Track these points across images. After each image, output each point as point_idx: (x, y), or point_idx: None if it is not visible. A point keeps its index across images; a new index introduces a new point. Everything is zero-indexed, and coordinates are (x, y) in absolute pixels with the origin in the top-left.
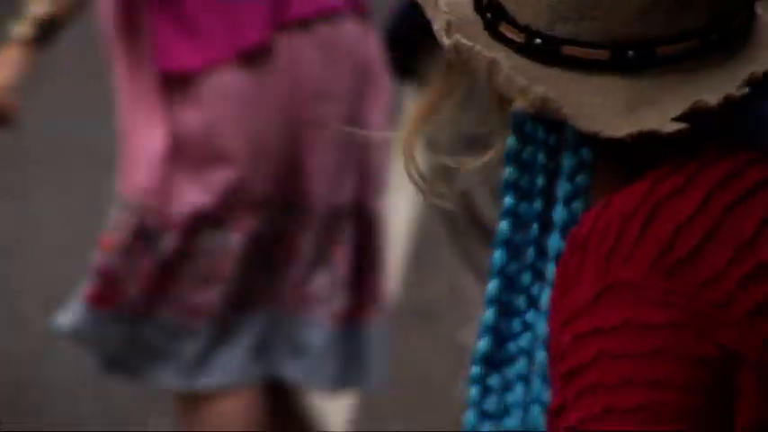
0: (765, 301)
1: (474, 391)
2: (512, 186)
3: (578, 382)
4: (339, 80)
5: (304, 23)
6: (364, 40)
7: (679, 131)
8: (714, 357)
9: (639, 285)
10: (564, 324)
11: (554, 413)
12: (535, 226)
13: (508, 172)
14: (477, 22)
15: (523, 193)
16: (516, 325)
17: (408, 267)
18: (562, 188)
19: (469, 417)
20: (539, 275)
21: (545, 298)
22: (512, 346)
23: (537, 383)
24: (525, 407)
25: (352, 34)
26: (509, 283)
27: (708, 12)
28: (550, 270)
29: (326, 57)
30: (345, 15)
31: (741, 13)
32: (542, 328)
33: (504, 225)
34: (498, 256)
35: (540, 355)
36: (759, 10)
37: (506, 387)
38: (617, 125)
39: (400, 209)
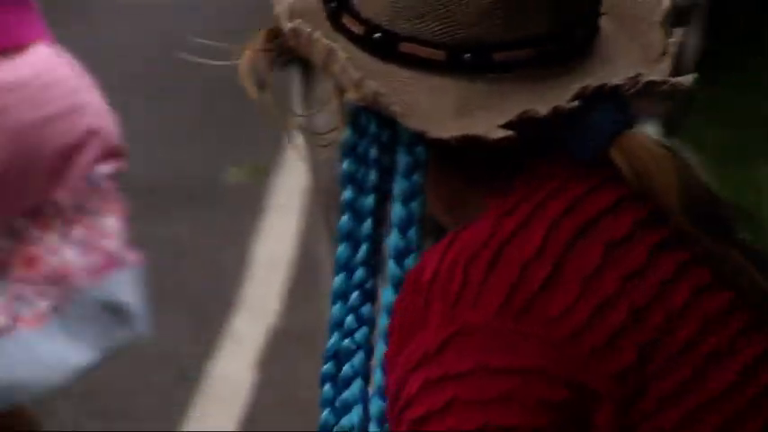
0: (613, 334)
1: (326, 389)
2: (349, 179)
3: (430, 429)
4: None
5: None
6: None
7: (506, 139)
8: (566, 398)
9: (488, 329)
10: (410, 370)
11: None
12: (369, 221)
13: (345, 164)
14: (321, 11)
15: (361, 187)
16: (351, 321)
17: (291, 293)
18: (398, 186)
19: (324, 415)
20: (373, 272)
21: (383, 296)
22: (348, 342)
23: (377, 377)
24: (365, 403)
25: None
26: (351, 278)
27: (548, 22)
28: (391, 269)
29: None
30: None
31: (583, 25)
32: (381, 323)
33: (343, 219)
34: (341, 250)
35: (380, 350)
36: (603, 24)
37: (345, 383)
38: (445, 127)
39: (283, 234)
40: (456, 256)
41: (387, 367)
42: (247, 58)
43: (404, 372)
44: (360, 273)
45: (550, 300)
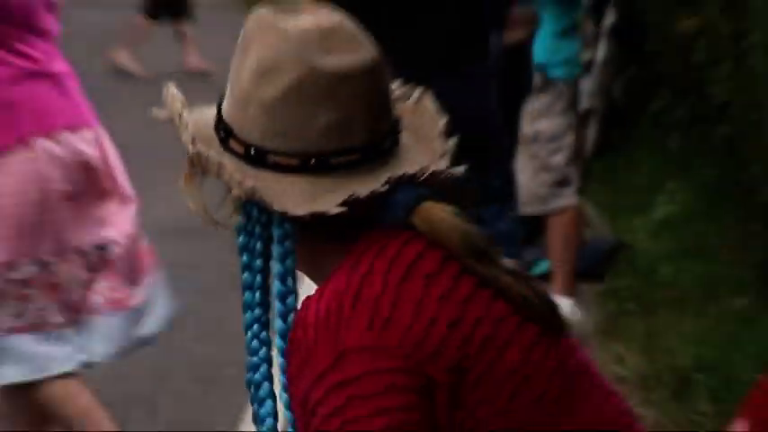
0: (440, 340)
1: (250, 393)
2: (243, 249)
3: (337, 420)
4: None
5: None
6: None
7: (341, 213)
8: (422, 384)
9: (363, 346)
10: (314, 382)
11: None
12: (259, 276)
13: (240, 239)
14: (214, 137)
15: (252, 254)
16: (256, 344)
17: None
18: (276, 251)
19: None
20: (267, 309)
21: (276, 325)
22: (255, 359)
23: (281, 392)
24: (275, 412)
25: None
26: (253, 314)
27: (367, 136)
28: (277, 307)
29: None
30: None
31: (390, 137)
32: (277, 343)
33: (243, 276)
34: (246, 297)
35: (277, 361)
36: (404, 135)
37: (257, 388)
38: (301, 207)
39: None
40: (328, 301)
41: (291, 382)
42: (185, 179)
43: (309, 384)
44: (258, 311)
45: (397, 321)
